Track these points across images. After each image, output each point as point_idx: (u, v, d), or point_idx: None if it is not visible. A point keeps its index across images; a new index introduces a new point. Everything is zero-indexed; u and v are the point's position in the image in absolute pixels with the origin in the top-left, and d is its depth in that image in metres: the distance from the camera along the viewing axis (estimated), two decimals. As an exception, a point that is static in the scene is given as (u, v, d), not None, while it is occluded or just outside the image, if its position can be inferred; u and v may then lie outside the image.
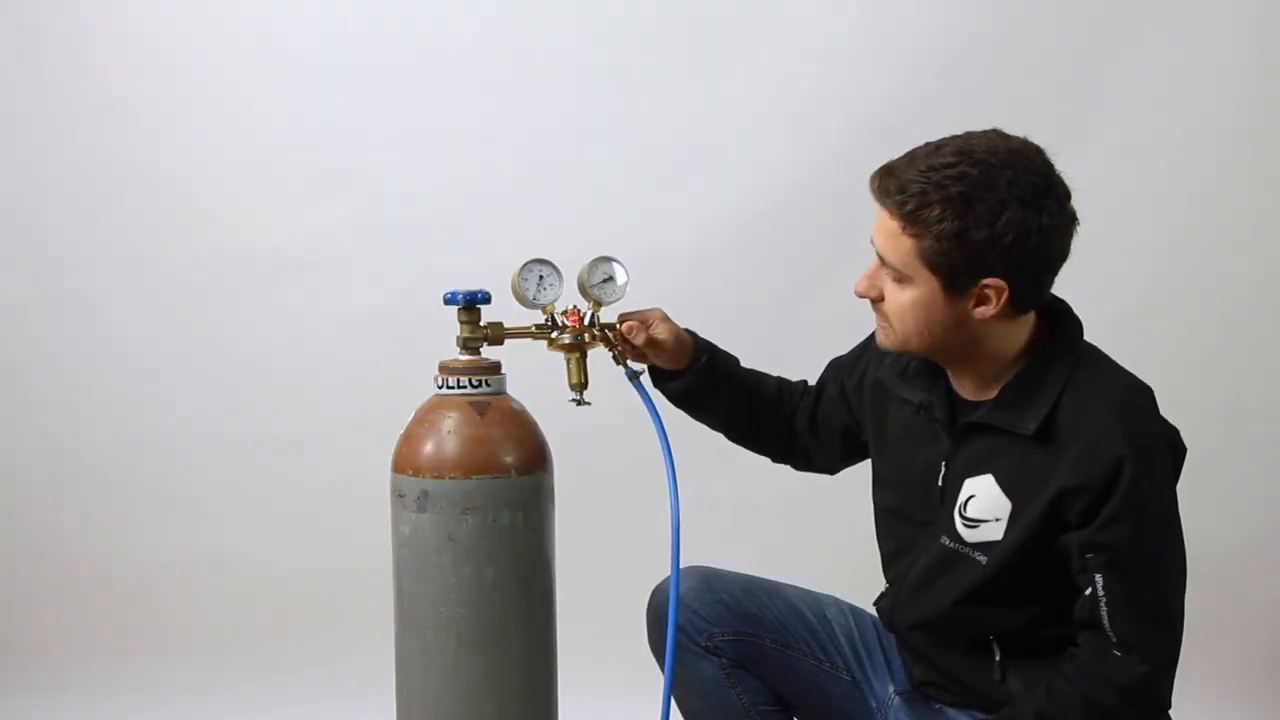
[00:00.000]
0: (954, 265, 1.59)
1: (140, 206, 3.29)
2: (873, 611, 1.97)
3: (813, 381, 2.05)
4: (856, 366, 1.95)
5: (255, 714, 2.95)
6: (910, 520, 1.81)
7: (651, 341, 1.89)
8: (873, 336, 1.91)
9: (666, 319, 1.91)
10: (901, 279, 1.63)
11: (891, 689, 1.91)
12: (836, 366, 2.01)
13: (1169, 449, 1.66)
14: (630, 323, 1.88)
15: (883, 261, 1.65)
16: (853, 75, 3.16)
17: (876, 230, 1.65)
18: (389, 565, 1.77)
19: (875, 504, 1.91)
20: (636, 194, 3.24)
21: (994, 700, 1.74)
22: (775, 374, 2.07)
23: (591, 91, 3.24)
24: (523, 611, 1.74)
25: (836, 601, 2.00)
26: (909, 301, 1.64)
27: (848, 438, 1.98)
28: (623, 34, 3.24)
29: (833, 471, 2.07)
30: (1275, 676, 2.98)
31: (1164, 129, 3.11)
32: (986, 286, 1.60)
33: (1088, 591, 1.60)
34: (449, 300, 1.80)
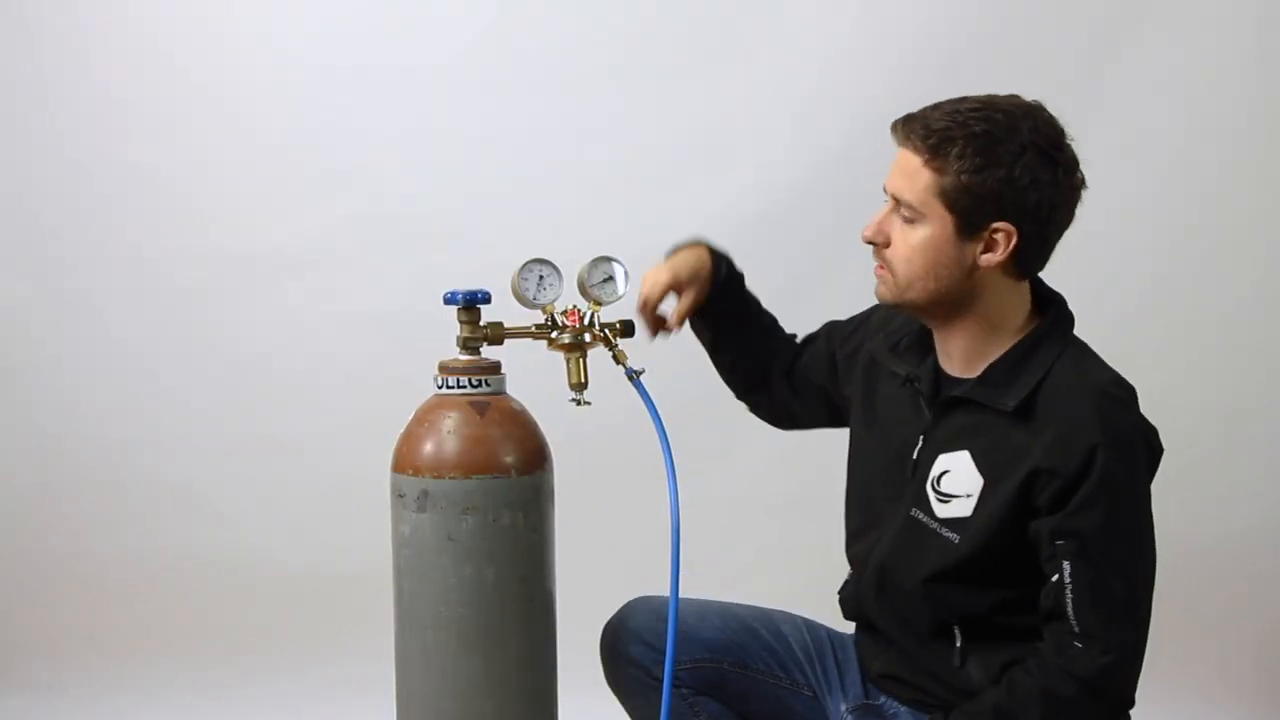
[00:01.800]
0: (970, 203, 1.62)
1: (140, 206, 3.29)
2: (825, 624, 1.97)
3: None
4: (852, 337, 1.95)
5: (255, 714, 2.95)
6: (878, 495, 1.82)
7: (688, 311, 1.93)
8: (872, 311, 1.94)
9: (680, 279, 1.93)
10: (915, 218, 1.65)
11: (843, 707, 1.90)
12: (831, 328, 2.02)
13: (1146, 445, 1.67)
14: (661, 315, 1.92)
15: (896, 204, 1.67)
16: (853, 75, 3.16)
17: (895, 173, 1.68)
18: (389, 565, 1.77)
19: (849, 478, 1.91)
20: (636, 194, 3.24)
21: (950, 689, 1.74)
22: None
23: (591, 92, 3.24)
24: (523, 611, 1.74)
25: (790, 617, 1.99)
26: (919, 242, 1.65)
27: (821, 398, 1.99)
28: (623, 34, 3.24)
29: (783, 426, 2.08)
30: (1271, 676, 2.98)
31: (1164, 129, 3.11)
32: (996, 230, 1.63)
33: (1054, 578, 1.61)
34: (449, 300, 1.80)
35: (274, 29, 3.28)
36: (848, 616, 1.91)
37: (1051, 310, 1.73)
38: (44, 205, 3.29)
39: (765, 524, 3.20)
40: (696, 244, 1.98)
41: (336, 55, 3.26)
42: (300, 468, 3.31)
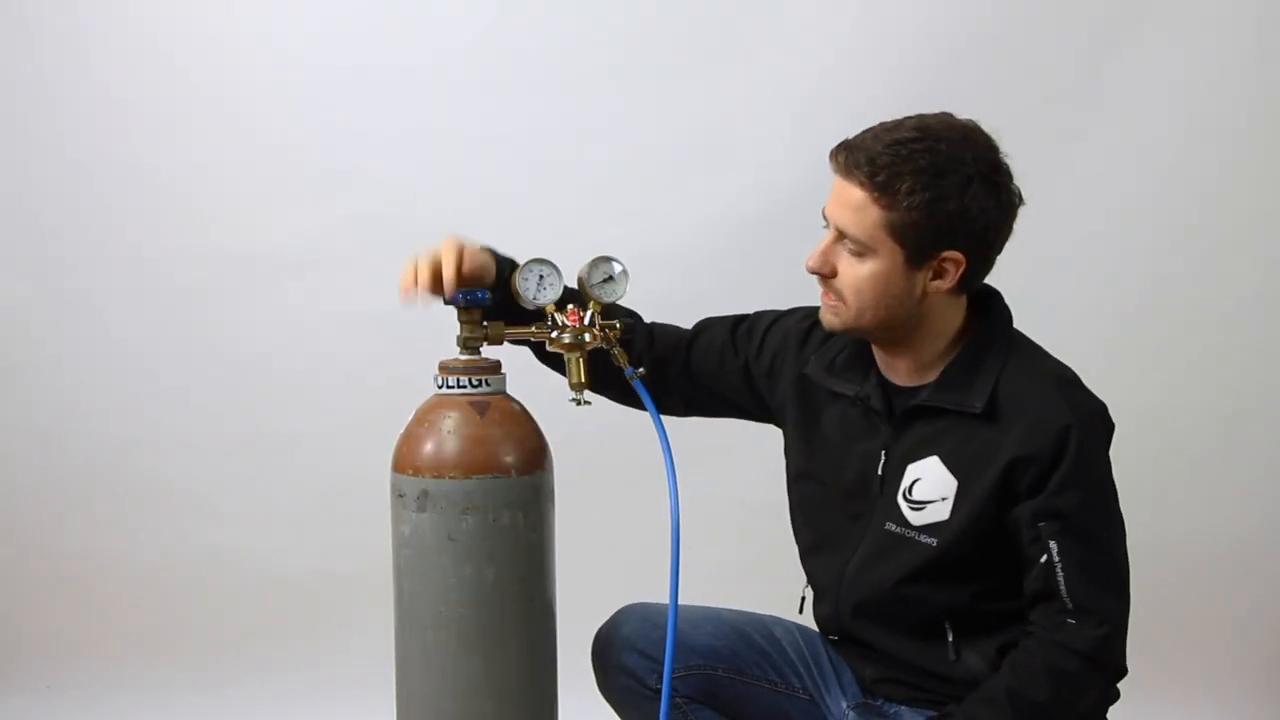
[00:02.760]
0: (921, 236, 1.63)
1: (140, 206, 3.29)
2: (815, 627, 1.97)
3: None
4: (764, 349, 1.93)
5: (255, 714, 2.95)
6: (838, 512, 1.82)
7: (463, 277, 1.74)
8: (775, 321, 1.94)
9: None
10: (863, 252, 1.67)
11: (844, 704, 1.90)
12: (727, 333, 1.96)
13: (1103, 421, 1.72)
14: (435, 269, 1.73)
15: (840, 236, 1.69)
16: (853, 75, 3.15)
17: (837, 205, 1.69)
18: (389, 565, 1.77)
19: (795, 498, 1.92)
20: (636, 194, 3.24)
21: (951, 681, 1.75)
22: None
23: (591, 92, 3.24)
24: (523, 611, 1.74)
25: (781, 621, 2.00)
26: (868, 274, 1.67)
27: (711, 395, 1.96)
28: (623, 34, 3.24)
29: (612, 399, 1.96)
30: (1274, 676, 2.98)
31: (1164, 129, 3.11)
32: (946, 259, 1.66)
33: (1042, 559, 1.63)
34: (449, 300, 1.80)
35: (274, 29, 3.28)
36: (828, 634, 1.91)
37: (993, 309, 1.76)
38: (44, 205, 3.29)
39: (765, 524, 3.19)
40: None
41: (336, 55, 3.26)
42: (300, 468, 3.31)
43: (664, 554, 1.78)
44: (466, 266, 1.75)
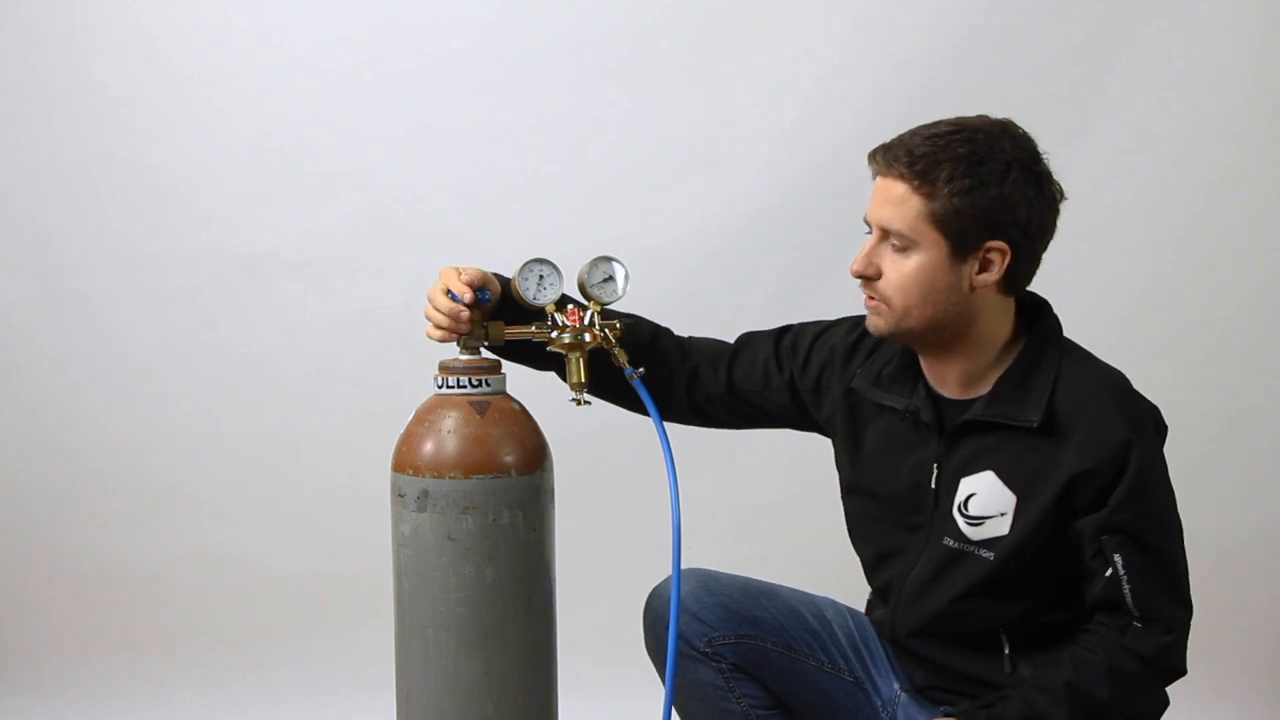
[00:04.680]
0: (964, 224, 1.62)
1: (140, 206, 3.29)
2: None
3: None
4: (810, 364, 1.92)
5: (255, 714, 2.95)
6: (896, 525, 1.81)
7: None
8: (822, 334, 1.92)
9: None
10: (906, 246, 1.65)
11: (897, 686, 1.91)
12: (770, 347, 1.95)
13: (1156, 427, 1.72)
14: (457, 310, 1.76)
15: (884, 235, 1.67)
16: (853, 75, 3.16)
17: (879, 203, 1.67)
18: (389, 565, 1.77)
19: (849, 511, 1.91)
20: (636, 194, 3.24)
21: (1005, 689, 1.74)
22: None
23: (591, 92, 3.24)
24: (523, 611, 1.74)
25: (834, 603, 2.00)
26: (912, 269, 1.65)
27: (758, 410, 1.96)
28: (623, 35, 3.24)
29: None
30: (1276, 677, 2.98)
31: (1163, 129, 3.11)
32: (990, 249, 1.64)
33: (1107, 573, 1.64)
34: (473, 304, 1.80)
35: (273, 29, 3.28)
36: (885, 638, 1.91)
37: (1042, 318, 1.75)
38: (44, 205, 3.29)
39: (765, 524, 3.20)
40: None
41: (336, 55, 3.26)
42: (300, 468, 3.31)
43: (665, 554, 1.78)
44: (466, 277, 1.77)
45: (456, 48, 3.26)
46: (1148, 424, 1.69)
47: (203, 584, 3.28)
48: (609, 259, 1.85)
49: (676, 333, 2.01)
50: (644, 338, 1.94)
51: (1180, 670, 1.69)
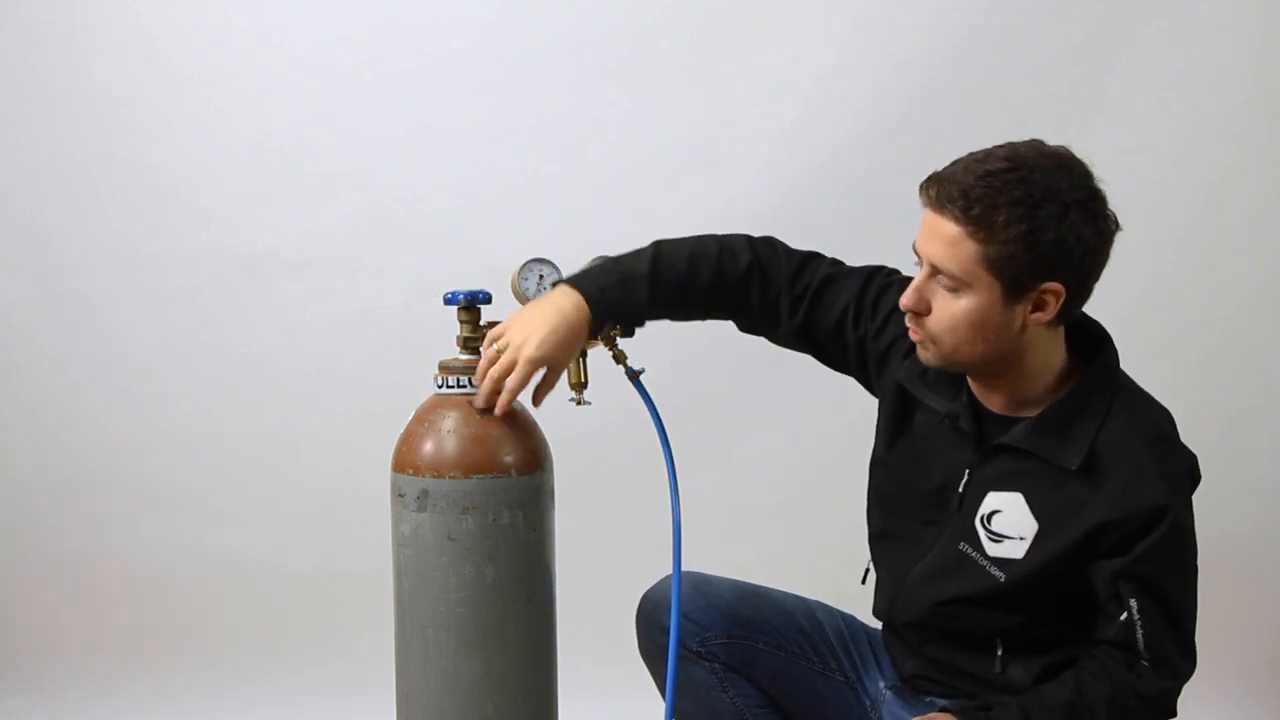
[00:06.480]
0: (1019, 269, 1.58)
1: (140, 206, 3.29)
2: (858, 616, 1.98)
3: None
4: (885, 332, 1.86)
5: (255, 714, 2.95)
6: (914, 514, 1.81)
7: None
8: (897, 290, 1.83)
9: (550, 360, 1.75)
10: (959, 287, 1.61)
11: (882, 684, 1.93)
12: (859, 295, 1.87)
13: (1192, 480, 1.70)
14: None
15: (934, 271, 1.63)
16: (853, 75, 3.15)
17: (929, 240, 1.62)
18: (389, 565, 1.77)
19: (874, 483, 1.90)
20: (636, 194, 3.24)
21: (992, 686, 1.75)
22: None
23: (591, 92, 3.24)
24: (523, 611, 1.74)
25: (824, 604, 2.01)
26: (963, 311, 1.62)
27: (818, 348, 1.92)
28: (623, 35, 3.24)
29: (761, 334, 1.97)
30: (1276, 676, 2.98)
31: (1163, 130, 3.11)
32: (1046, 291, 1.61)
33: (1122, 617, 1.64)
34: (449, 300, 1.80)
35: (273, 29, 3.27)
36: (881, 620, 1.92)
37: (1101, 354, 1.72)
38: (44, 205, 3.29)
39: (765, 524, 3.20)
40: (571, 291, 1.78)
41: (337, 55, 3.26)
42: (300, 468, 3.31)
43: (665, 554, 1.78)
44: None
45: (456, 48, 3.26)
46: (1184, 483, 1.67)
47: (203, 584, 3.28)
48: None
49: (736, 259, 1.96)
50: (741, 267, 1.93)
51: (1172, 714, 1.70)
